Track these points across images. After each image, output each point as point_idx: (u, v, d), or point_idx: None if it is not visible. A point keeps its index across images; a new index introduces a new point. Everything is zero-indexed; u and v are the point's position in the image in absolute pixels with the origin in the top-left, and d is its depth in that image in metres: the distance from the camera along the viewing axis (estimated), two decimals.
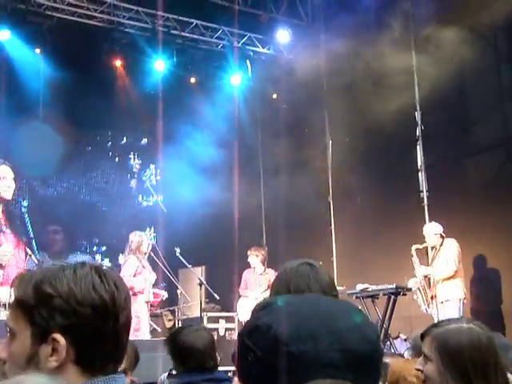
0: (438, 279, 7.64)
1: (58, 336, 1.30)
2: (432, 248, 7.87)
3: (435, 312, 7.54)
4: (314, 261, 2.20)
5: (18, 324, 1.33)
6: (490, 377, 1.94)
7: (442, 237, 7.79)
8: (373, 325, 0.98)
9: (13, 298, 1.36)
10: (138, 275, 7.63)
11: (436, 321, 7.31)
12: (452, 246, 7.73)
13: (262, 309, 0.96)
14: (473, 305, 8.27)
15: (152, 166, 11.74)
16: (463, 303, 7.55)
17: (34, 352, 1.31)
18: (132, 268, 7.63)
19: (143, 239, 7.88)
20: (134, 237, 7.87)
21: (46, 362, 1.30)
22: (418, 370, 2.06)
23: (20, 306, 1.34)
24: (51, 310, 1.30)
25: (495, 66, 8.86)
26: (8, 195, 9.56)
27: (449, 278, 7.59)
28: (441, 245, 7.77)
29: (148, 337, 7.67)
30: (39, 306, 1.31)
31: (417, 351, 2.86)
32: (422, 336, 2.09)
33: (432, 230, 7.82)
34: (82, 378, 1.32)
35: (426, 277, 7.77)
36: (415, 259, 7.83)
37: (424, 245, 7.86)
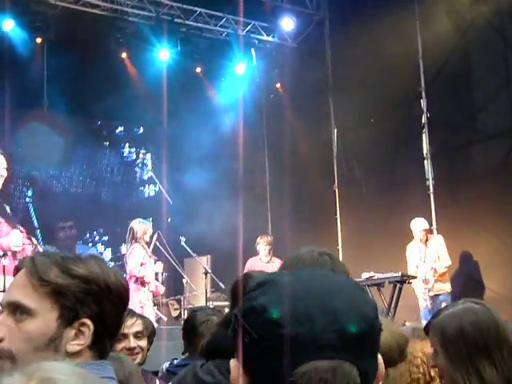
0: (439, 272, 7.77)
1: (88, 321, 1.32)
2: (422, 243, 7.93)
3: (429, 305, 7.68)
4: (328, 250, 2.15)
5: (41, 304, 1.31)
6: (494, 355, 1.87)
7: (428, 232, 7.88)
8: (371, 301, 0.95)
9: (35, 277, 1.33)
10: (143, 265, 7.60)
11: (423, 315, 7.51)
12: (441, 242, 7.90)
13: (257, 288, 0.94)
14: (476, 294, 8.28)
15: (156, 156, 11.71)
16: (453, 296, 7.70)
17: (58, 334, 1.31)
18: (139, 257, 7.57)
19: (148, 227, 7.81)
20: (138, 225, 7.76)
21: (67, 345, 1.31)
22: (434, 366, 2.00)
23: (49, 286, 1.32)
24: (85, 295, 1.31)
25: (502, 53, 8.77)
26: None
27: (443, 274, 7.71)
28: (426, 240, 7.85)
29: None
30: (73, 289, 1.31)
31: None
32: (426, 330, 2.05)
33: (419, 226, 7.87)
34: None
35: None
36: (411, 256, 7.92)
37: (414, 241, 7.93)
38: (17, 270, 1.40)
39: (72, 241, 10.68)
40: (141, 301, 7.44)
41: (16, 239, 8.80)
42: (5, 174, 9.72)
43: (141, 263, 7.51)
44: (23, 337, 1.31)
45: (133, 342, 2.99)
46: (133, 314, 3.13)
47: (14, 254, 8.82)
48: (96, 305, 1.32)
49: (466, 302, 2.02)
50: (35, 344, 1.29)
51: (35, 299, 1.32)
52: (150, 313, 7.62)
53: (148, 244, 7.88)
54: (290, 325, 0.88)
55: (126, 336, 3.00)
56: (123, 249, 11.03)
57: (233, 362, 0.95)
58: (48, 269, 1.33)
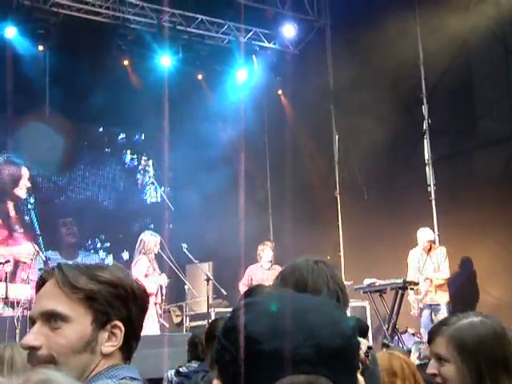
0: (435, 284, 7.81)
1: (119, 323, 1.41)
2: (424, 252, 7.94)
3: (422, 314, 7.71)
4: (325, 258, 2.17)
5: (76, 310, 1.39)
6: (511, 367, 1.87)
7: (432, 243, 7.89)
8: (349, 320, 0.97)
9: (67, 285, 1.41)
10: (148, 276, 7.68)
11: (423, 323, 7.53)
12: (443, 254, 7.92)
13: (238, 309, 0.97)
14: (477, 301, 8.29)
15: (158, 162, 11.73)
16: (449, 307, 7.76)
17: (94, 337, 1.39)
18: (144, 268, 7.72)
19: (158, 240, 7.94)
20: (149, 237, 7.95)
21: (101, 347, 1.40)
22: (433, 374, 1.96)
23: (81, 292, 1.40)
24: (115, 299, 1.40)
25: (503, 60, 8.79)
26: (23, 194, 10.06)
27: (441, 285, 7.72)
28: (429, 250, 7.86)
29: (158, 332, 7.76)
30: (104, 294, 1.40)
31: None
32: (431, 337, 2.00)
33: (425, 236, 7.91)
34: (122, 364, 1.44)
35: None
36: (411, 262, 7.93)
37: (417, 248, 7.96)
38: (42, 281, 1.46)
39: (73, 248, 10.68)
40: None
41: (27, 250, 9.06)
42: (28, 184, 10.28)
43: (145, 274, 7.61)
44: (62, 342, 1.38)
45: None
46: None
47: (17, 263, 9.05)
48: (125, 308, 1.41)
49: (478, 315, 1.99)
50: (74, 347, 1.37)
51: (69, 306, 1.39)
52: (154, 325, 7.70)
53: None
54: (267, 341, 0.90)
55: None
56: (125, 255, 11.05)
57: (215, 382, 0.97)
58: (77, 277, 1.41)
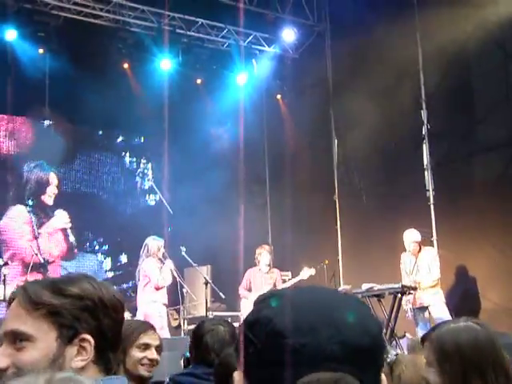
0: (423, 287, 7.72)
1: (88, 337, 1.35)
2: (412, 255, 7.90)
3: (414, 316, 7.68)
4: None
5: (39, 328, 1.34)
6: (488, 376, 1.87)
7: (419, 245, 7.86)
8: (375, 318, 0.96)
9: (28, 302, 1.36)
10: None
11: (419, 327, 7.50)
12: (433, 255, 7.90)
13: (263, 301, 0.95)
14: (475, 305, 8.28)
15: (157, 166, 11.73)
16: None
17: (60, 354, 1.34)
18: (155, 265, 8.01)
19: (161, 244, 8.15)
20: (152, 241, 8.15)
21: (71, 362, 1.34)
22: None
23: (43, 308, 1.35)
24: (81, 312, 1.35)
25: (502, 64, 8.81)
26: (50, 201, 10.27)
27: (432, 287, 7.69)
28: (418, 251, 7.83)
29: (168, 335, 7.98)
30: (69, 308, 1.34)
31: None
32: (423, 341, 2.04)
33: (411, 238, 7.85)
34: (100, 377, 1.36)
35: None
36: (403, 266, 7.90)
37: (407, 252, 7.93)
38: (10, 301, 1.43)
39: (71, 250, 10.67)
40: (159, 311, 7.95)
41: (62, 218, 9.51)
42: (56, 191, 10.52)
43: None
44: (27, 361, 1.34)
45: (155, 354, 3.08)
46: (154, 328, 3.23)
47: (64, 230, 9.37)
48: (94, 319, 1.35)
49: (468, 320, 2.01)
50: (39, 366, 1.32)
51: (32, 324, 1.35)
52: (165, 323, 7.91)
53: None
54: (293, 336, 0.88)
55: (148, 347, 3.07)
56: (123, 258, 11.05)
57: (237, 374, 0.95)
58: (40, 292, 1.36)
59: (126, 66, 10.49)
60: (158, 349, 3.12)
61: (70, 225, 9.38)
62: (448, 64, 9.03)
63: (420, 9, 9.19)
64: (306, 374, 0.87)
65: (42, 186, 10.31)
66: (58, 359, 1.33)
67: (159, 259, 8.10)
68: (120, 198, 11.48)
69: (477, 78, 9.16)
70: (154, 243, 8.12)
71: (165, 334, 7.62)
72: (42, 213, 10.25)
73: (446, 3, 8.78)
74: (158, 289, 7.95)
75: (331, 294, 0.98)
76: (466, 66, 9.20)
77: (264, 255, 8.96)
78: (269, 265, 9.05)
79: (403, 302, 7.76)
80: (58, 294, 1.35)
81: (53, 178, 10.41)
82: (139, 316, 8.00)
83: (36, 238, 9.88)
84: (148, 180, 11.65)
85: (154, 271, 7.97)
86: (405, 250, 7.97)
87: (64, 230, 9.62)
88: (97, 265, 10.96)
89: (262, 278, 9.00)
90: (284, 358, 0.88)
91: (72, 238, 9.32)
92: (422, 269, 7.77)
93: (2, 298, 7.48)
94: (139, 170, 11.85)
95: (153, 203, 11.70)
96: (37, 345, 1.34)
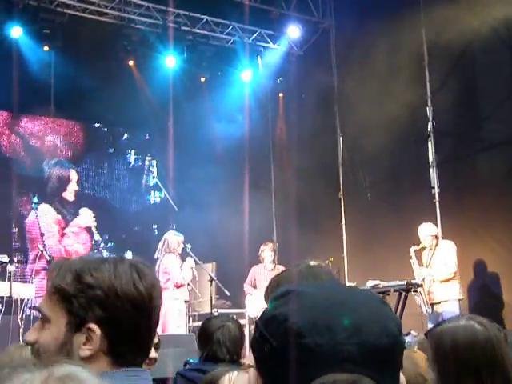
0: (439, 279, 7.66)
1: (94, 326, 1.34)
2: (429, 249, 7.86)
3: (431, 312, 7.59)
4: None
5: (54, 311, 1.36)
6: (484, 377, 1.83)
7: (436, 238, 7.81)
8: (395, 317, 0.94)
9: (50, 285, 1.38)
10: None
11: (430, 321, 7.44)
12: (450, 248, 7.77)
13: (279, 297, 0.93)
14: (481, 303, 8.26)
15: (162, 163, 11.74)
16: (460, 304, 7.58)
17: (67, 340, 1.35)
18: (179, 267, 8.04)
19: (181, 239, 8.12)
20: (172, 237, 8.17)
21: (78, 350, 1.34)
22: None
23: (58, 293, 1.36)
24: (90, 301, 1.34)
25: (508, 62, 8.78)
26: (71, 197, 10.35)
27: (447, 280, 7.62)
28: (436, 245, 7.79)
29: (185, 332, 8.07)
30: (79, 296, 1.34)
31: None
32: (426, 338, 2.02)
33: (428, 231, 7.82)
34: (111, 369, 1.36)
35: (423, 278, 7.76)
36: (414, 260, 7.86)
37: (421, 245, 7.87)
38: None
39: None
40: (179, 308, 8.00)
41: (87, 216, 9.48)
42: (76, 188, 10.59)
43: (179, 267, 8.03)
44: (42, 341, 1.37)
45: (154, 353, 3.10)
46: None
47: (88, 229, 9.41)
48: (102, 310, 1.34)
49: (470, 319, 1.97)
50: (50, 348, 1.34)
51: (49, 306, 1.37)
52: (183, 321, 7.94)
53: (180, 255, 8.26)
54: (310, 335, 0.87)
55: None
56: (128, 255, 11.04)
57: (251, 371, 0.94)
58: (62, 276, 1.37)
59: (131, 63, 10.48)
60: (156, 346, 3.13)
61: (95, 223, 9.32)
62: (454, 61, 9.01)
63: (425, 5, 9.17)
64: (322, 374, 0.86)
65: (63, 183, 10.33)
66: (66, 345, 1.34)
67: (179, 254, 8.09)
68: (125, 195, 11.49)
69: (482, 75, 9.13)
70: (174, 238, 8.12)
71: (181, 332, 7.66)
72: (64, 209, 10.29)
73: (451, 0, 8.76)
74: (178, 287, 7.95)
75: (350, 293, 0.96)
76: (471, 63, 9.18)
77: (266, 253, 8.98)
78: (273, 262, 9.06)
79: (417, 298, 7.70)
80: (76, 279, 1.35)
81: (73, 175, 10.43)
82: (161, 313, 7.97)
83: (63, 236, 9.98)
84: (153, 177, 11.66)
85: (174, 268, 7.95)
86: (413, 244, 7.92)
87: (89, 229, 9.57)
88: None
89: (266, 275, 9.01)
90: (300, 357, 0.86)
91: (97, 237, 9.27)
92: (437, 262, 7.70)
93: (8, 295, 7.50)
94: (144, 167, 11.86)
95: (158, 200, 11.71)
96: (51, 327, 1.36)
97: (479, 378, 1.83)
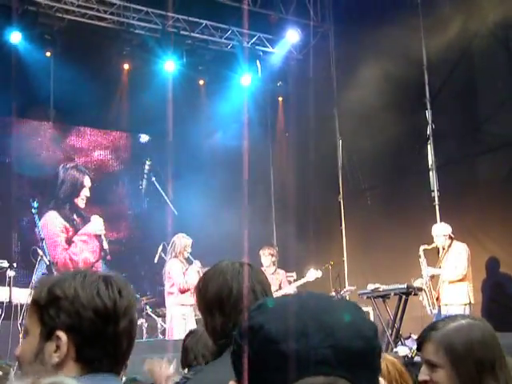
0: (445, 281, 7.60)
1: (60, 333, 1.42)
2: (442, 249, 7.81)
3: (437, 313, 7.51)
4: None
5: (31, 323, 1.46)
6: (498, 372, 1.85)
7: (450, 238, 7.74)
8: (370, 321, 0.95)
9: (30, 299, 1.51)
10: (185, 274, 7.88)
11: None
12: (462, 250, 7.66)
13: (255, 309, 0.95)
14: (485, 307, 8.23)
15: (161, 167, 11.73)
16: (469, 308, 7.46)
17: (40, 348, 1.43)
18: (181, 272, 7.84)
19: (189, 242, 7.99)
20: (180, 239, 8.00)
21: (49, 357, 1.42)
22: (425, 381, 1.92)
23: (33, 305, 1.47)
24: (58, 310, 1.43)
25: (507, 64, 8.79)
26: (82, 204, 10.34)
27: (454, 282, 7.55)
28: (449, 246, 7.72)
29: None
30: (48, 306, 1.44)
31: None
32: (420, 342, 1.97)
33: (441, 230, 7.77)
34: (81, 374, 1.42)
35: (432, 278, 7.72)
36: (422, 260, 7.80)
37: (432, 245, 7.80)
38: None
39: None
40: (184, 313, 7.82)
41: (97, 224, 9.44)
42: (88, 194, 10.56)
43: (183, 273, 7.86)
44: (19, 354, 1.48)
45: None
46: None
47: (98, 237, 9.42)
48: (68, 318, 1.42)
49: (466, 318, 1.99)
50: (26, 358, 1.45)
51: (30, 319, 1.48)
52: (188, 326, 7.83)
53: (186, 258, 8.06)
54: (284, 341, 0.88)
55: None
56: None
57: (232, 383, 0.95)
58: (40, 290, 1.48)
59: (130, 67, 10.50)
60: None
61: (104, 232, 9.28)
62: (452, 63, 9.02)
63: (424, 8, 9.18)
64: (299, 379, 0.87)
65: (76, 188, 10.34)
66: (39, 354, 1.43)
67: (185, 259, 7.95)
68: (124, 198, 11.49)
69: (481, 77, 9.14)
70: (182, 241, 7.94)
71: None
72: (75, 215, 10.28)
73: (450, 3, 8.77)
74: (182, 292, 7.80)
75: (324, 299, 0.97)
76: (470, 65, 9.19)
77: (264, 258, 8.92)
78: (273, 266, 9.04)
79: (425, 302, 7.61)
80: (48, 292, 1.45)
81: (87, 181, 10.43)
82: (168, 319, 7.96)
83: (70, 244, 9.96)
84: (152, 181, 11.65)
85: (176, 274, 7.82)
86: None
87: (98, 237, 9.54)
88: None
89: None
90: (276, 363, 0.88)
91: (106, 245, 9.24)
92: (449, 262, 7.63)
93: (7, 300, 7.50)
94: (144, 172, 11.85)
95: (157, 204, 11.70)
96: (29, 338, 1.46)
97: (495, 374, 1.84)
